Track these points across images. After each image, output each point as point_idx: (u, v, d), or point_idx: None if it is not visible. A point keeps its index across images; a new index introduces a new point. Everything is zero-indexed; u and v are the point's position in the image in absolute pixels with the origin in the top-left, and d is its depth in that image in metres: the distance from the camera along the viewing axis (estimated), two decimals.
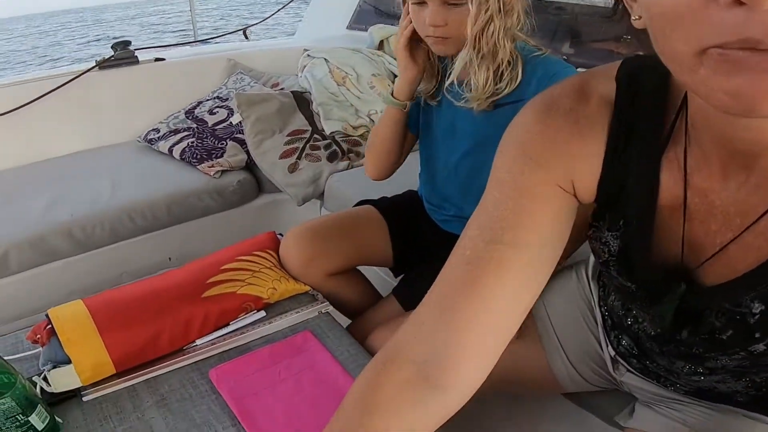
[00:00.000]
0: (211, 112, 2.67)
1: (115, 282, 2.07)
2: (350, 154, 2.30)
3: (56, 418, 1.02)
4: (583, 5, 2.36)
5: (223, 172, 2.32)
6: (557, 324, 1.13)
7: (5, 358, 0.98)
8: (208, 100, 2.78)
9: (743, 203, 0.67)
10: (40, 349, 1.14)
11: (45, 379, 1.07)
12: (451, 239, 1.45)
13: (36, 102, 2.48)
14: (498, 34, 1.22)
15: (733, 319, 0.71)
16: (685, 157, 0.69)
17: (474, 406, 0.73)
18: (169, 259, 2.23)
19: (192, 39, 3.65)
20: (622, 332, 0.98)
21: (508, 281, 0.71)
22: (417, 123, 1.49)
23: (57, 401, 1.08)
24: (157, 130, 2.62)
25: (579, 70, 1.80)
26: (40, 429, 0.96)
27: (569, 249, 0.99)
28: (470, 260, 0.73)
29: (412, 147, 1.55)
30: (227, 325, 1.24)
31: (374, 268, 1.68)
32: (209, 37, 3.76)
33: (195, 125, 2.60)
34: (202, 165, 2.32)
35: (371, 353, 1.20)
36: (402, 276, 1.56)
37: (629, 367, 1.01)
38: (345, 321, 1.48)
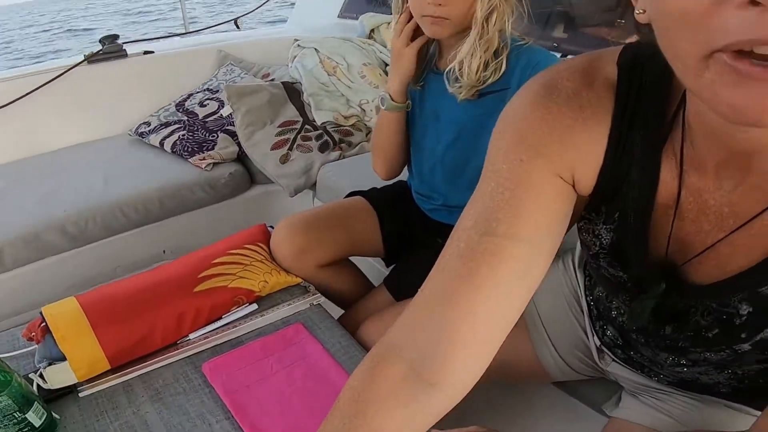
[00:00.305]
0: (201, 105, 2.69)
1: (110, 276, 2.10)
2: (342, 144, 2.32)
3: (53, 414, 1.04)
4: None
5: (214, 164, 2.34)
6: (544, 314, 1.15)
7: (1, 356, 1.00)
8: (198, 92, 2.79)
9: (737, 204, 0.66)
10: (36, 346, 1.16)
11: (41, 376, 1.09)
12: (439, 228, 1.49)
13: (26, 97, 2.50)
14: (500, 21, 1.25)
15: (719, 318, 0.72)
16: (681, 154, 0.68)
17: (466, 396, 0.72)
18: (164, 251, 2.25)
19: (182, 31, 3.63)
20: (607, 323, 0.99)
21: (502, 275, 0.69)
22: None
23: (53, 398, 1.10)
24: (148, 123, 2.64)
25: (568, 57, 1.82)
26: (37, 426, 0.99)
27: None
28: (464, 253, 0.71)
29: None
30: (219, 318, 1.26)
31: (366, 258, 1.70)
32: (200, 29, 3.75)
33: (186, 118, 2.61)
34: (194, 158, 2.34)
35: (362, 344, 1.23)
36: (393, 266, 1.58)
37: (614, 357, 1.03)
38: (337, 312, 1.50)
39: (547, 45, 2.25)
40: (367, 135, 2.43)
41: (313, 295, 1.35)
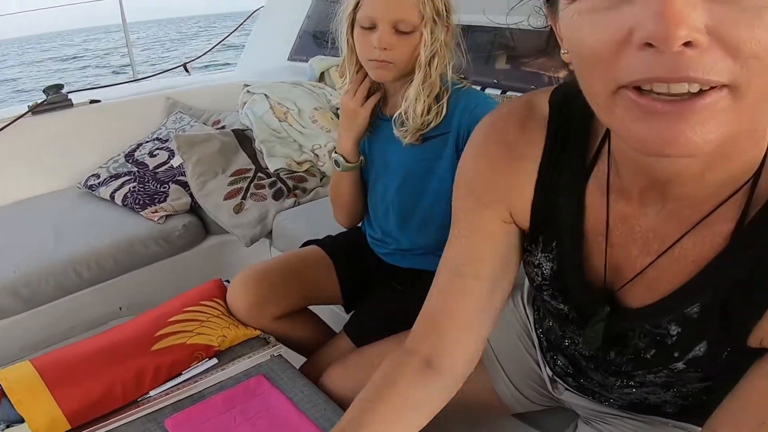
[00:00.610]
0: (151, 155, 2.71)
1: (66, 335, 2.10)
2: (296, 191, 2.38)
3: None
4: (514, 29, 2.53)
5: (167, 216, 2.36)
6: (497, 348, 1.24)
7: None
8: (147, 141, 2.82)
9: (660, 230, 0.74)
10: None
11: None
12: (394, 272, 1.59)
13: None
14: (441, 65, 1.36)
15: (654, 340, 0.80)
16: (608, 184, 0.77)
17: (432, 429, 0.90)
18: (120, 308, 2.25)
19: (131, 78, 3.69)
20: (557, 353, 1.09)
21: (470, 307, 0.89)
22: None
23: None
24: (98, 176, 2.65)
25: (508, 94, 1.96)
26: None
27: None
28: (441, 289, 0.92)
29: None
30: (180, 374, 1.31)
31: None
32: (148, 75, 3.81)
33: (136, 169, 2.64)
34: (146, 211, 2.36)
35: (326, 392, 1.28)
36: (352, 312, 1.64)
37: (567, 386, 1.12)
38: (300, 360, 1.54)
39: (488, 81, 2.41)
40: (321, 180, 2.50)
41: (273, 346, 1.40)
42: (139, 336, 1.34)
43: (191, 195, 2.43)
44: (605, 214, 0.79)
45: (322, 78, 2.95)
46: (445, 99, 1.38)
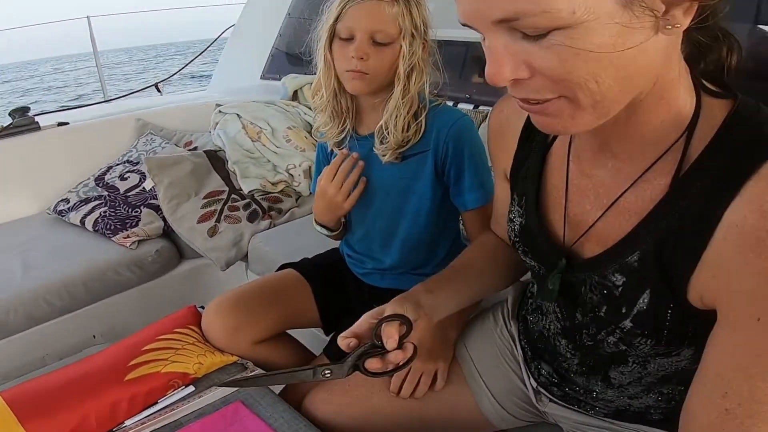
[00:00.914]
0: (122, 178, 2.71)
1: (38, 365, 2.09)
2: (271, 212, 2.40)
3: None
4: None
5: (139, 241, 2.37)
6: (480, 365, 1.29)
7: None
8: (118, 164, 2.82)
9: (608, 186, 0.88)
10: None
11: None
12: (374, 292, 1.62)
13: None
14: (419, 81, 1.40)
15: (602, 293, 0.89)
16: (570, 146, 0.94)
17: None
18: (94, 337, 2.24)
19: (101, 99, 3.69)
20: (541, 361, 1.15)
21: (500, 255, 1.25)
22: None
23: None
24: (67, 201, 2.65)
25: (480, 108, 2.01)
26: None
27: (513, 276, 1.28)
28: (480, 240, 1.32)
29: None
30: (156, 403, 1.30)
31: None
32: (119, 95, 3.82)
33: (106, 193, 2.64)
34: (117, 236, 2.36)
35: (310, 416, 1.30)
36: (332, 334, 1.65)
37: (552, 397, 1.17)
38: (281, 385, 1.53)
39: (461, 96, 2.49)
40: (297, 200, 2.53)
41: (251, 371, 1.40)
42: (112, 366, 1.34)
43: (164, 219, 2.43)
44: (565, 172, 0.94)
45: (295, 96, 2.98)
46: (423, 116, 1.42)
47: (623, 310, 0.87)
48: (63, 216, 2.61)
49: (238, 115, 2.70)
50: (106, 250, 2.33)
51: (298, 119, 2.73)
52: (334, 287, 1.67)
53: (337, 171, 1.47)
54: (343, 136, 1.53)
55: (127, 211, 2.50)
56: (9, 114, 2.80)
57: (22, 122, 2.79)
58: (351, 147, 1.54)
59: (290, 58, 3.39)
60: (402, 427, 1.31)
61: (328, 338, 1.64)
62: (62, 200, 2.69)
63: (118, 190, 2.66)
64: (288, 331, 1.66)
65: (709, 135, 0.76)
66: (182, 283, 2.45)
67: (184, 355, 1.38)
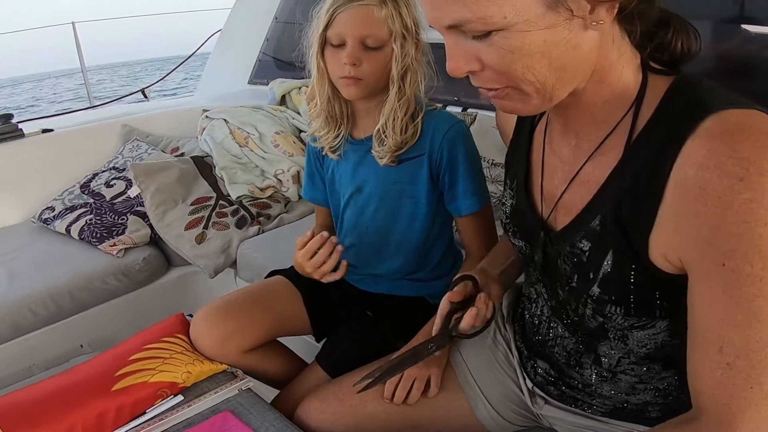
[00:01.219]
0: (108, 185, 2.70)
1: (25, 375, 2.08)
2: (260, 218, 2.39)
3: None
4: None
5: (126, 249, 2.35)
6: (475, 370, 1.30)
7: None
8: (104, 171, 2.81)
9: (572, 161, 0.98)
10: None
11: None
12: (366, 298, 1.61)
13: None
14: (414, 82, 1.40)
15: (573, 261, 0.97)
16: (546, 128, 1.05)
17: None
18: (81, 346, 2.23)
19: (87, 105, 3.69)
20: (537, 357, 1.17)
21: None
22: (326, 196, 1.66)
23: None
24: (52, 209, 2.64)
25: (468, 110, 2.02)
26: None
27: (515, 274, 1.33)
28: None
29: None
30: (144, 413, 1.30)
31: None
32: (105, 102, 3.81)
33: (92, 200, 2.62)
34: (104, 244, 2.35)
35: (302, 425, 1.29)
36: (324, 341, 1.64)
37: (548, 397, 1.18)
38: (272, 393, 1.54)
39: (450, 98, 2.51)
40: (285, 206, 2.53)
41: (241, 380, 1.39)
42: (98, 376, 1.34)
43: (151, 226, 2.43)
44: (542, 151, 1.05)
45: (283, 101, 2.97)
46: (420, 118, 1.43)
47: (591, 276, 0.94)
48: (48, 224, 2.60)
49: (225, 120, 2.70)
50: (92, 259, 2.32)
51: (286, 124, 2.73)
52: (325, 293, 1.65)
53: (315, 253, 1.41)
54: (338, 141, 1.53)
55: (114, 218, 2.49)
56: None
57: (6, 129, 2.78)
58: (346, 151, 1.54)
59: (278, 62, 3.39)
60: None
61: (319, 345, 1.64)
62: (47, 208, 2.67)
63: (104, 197, 2.65)
64: (278, 339, 1.65)
65: (654, 106, 0.86)
66: (170, 291, 2.44)
67: (173, 364, 1.37)
